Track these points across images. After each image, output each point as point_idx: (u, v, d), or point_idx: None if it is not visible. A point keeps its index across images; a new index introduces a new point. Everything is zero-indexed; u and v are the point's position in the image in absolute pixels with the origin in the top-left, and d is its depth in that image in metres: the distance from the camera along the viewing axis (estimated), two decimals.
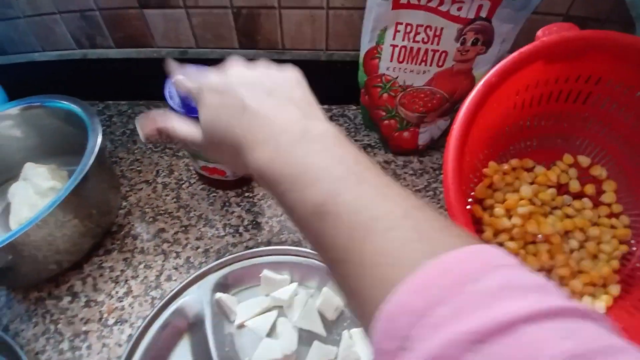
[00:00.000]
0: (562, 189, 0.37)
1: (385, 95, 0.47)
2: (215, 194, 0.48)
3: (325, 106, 0.58)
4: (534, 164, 0.38)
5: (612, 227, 0.35)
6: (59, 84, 0.47)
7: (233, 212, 0.46)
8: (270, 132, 0.21)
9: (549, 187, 0.36)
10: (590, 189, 0.36)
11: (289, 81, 0.25)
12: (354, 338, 0.35)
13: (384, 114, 0.49)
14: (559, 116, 0.36)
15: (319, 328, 0.36)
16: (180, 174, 0.50)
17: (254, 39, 0.52)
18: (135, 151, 0.53)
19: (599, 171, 0.37)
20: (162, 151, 0.53)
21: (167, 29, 0.52)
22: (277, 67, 0.26)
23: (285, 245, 0.42)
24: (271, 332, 0.37)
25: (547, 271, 0.33)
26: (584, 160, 0.37)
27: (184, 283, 0.38)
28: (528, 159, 0.37)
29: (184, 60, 0.40)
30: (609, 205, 0.36)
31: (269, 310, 0.38)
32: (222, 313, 0.38)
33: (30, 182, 0.43)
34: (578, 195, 0.37)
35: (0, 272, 0.38)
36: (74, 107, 0.42)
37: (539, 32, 0.31)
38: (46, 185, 0.43)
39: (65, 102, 0.42)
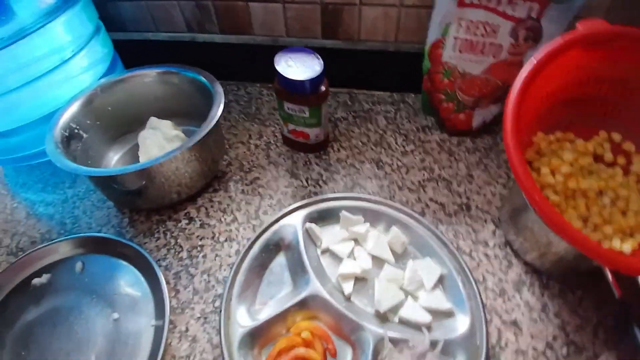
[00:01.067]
0: (597, 159, 0.45)
1: (446, 80, 0.56)
2: (298, 155, 0.58)
3: (389, 92, 0.67)
4: (574, 137, 0.45)
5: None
6: (167, 62, 0.57)
7: (313, 169, 0.56)
8: None
9: (586, 154, 0.44)
10: (621, 159, 0.44)
11: None
12: (417, 267, 0.44)
13: (443, 97, 0.58)
14: (597, 97, 0.44)
15: (388, 256, 0.45)
16: (268, 138, 0.61)
17: (335, 31, 0.63)
18: (231, 119, 0.64)
19: (629, 146, 0.44)
20: (252, 120, 0.64)
21: (265, 20, 0.63)
22: None
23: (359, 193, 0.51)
24: (350, 256, 0.46)
25: (584, 220, 0.41)
26: (617, 137, 0.45)
27: (279, 214, 0.48)
28: (570, 132, 0.45)
29: (275, 47, 0.50)
30: (637, 174, 0.43)
31: (347, 240, 0.47)
32: (310, 239, 0.47)
33: (160, 130, 0.54)
34: (611, 165, 0.44)
35: (133, 193, 0.49)
36: (202, 78, 0.53)
37: (578, 24, 0.39)
38: (172, 133, 0.54)
39: (196, 73, 0.53)
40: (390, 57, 0.63)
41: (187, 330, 0.41)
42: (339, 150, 0.59)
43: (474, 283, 0.41)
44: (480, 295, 0.40)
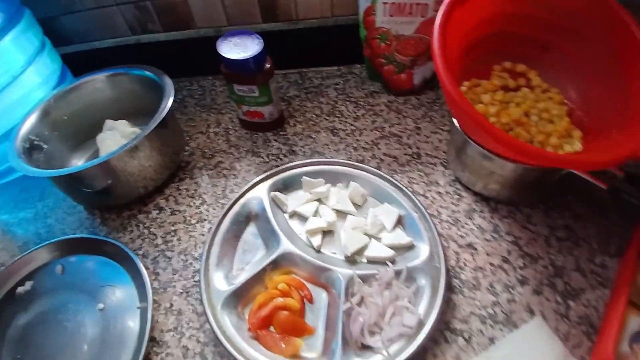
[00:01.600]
0: (503, 89, 0.49)
1: (382, 44, 0.60)
2: (256, 135, 0.61)
3: (335, 67, 0.71)
4: (478, 80, 0.49)
5: (550, 98, 0.47)
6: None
7: (273, 146, 0.59)
8: None
9: (496, 90, 0.48)
10: (521, 81, 0.48)
11: None
12: (377, 212, 0.48)
13: (383, 61, 0.62)
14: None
15: (350, 208, 0.49)
16: (226, 125, 0.63)
17: (274, 14, 0.66)
18: (188, 112, 0.66)
19: (521, 68, 0.49)
20: (208, 110, 0.66)
21: (205, 12, 0.65)
22: None
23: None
24: (315, 214, 0.49)
25: (529, 142, 0.45)
26: (507, 64, 0.49)
27: (245, 188, 0.50)
28: (473, 77, 0.49)
29: (219, 37, 0.53)
30: (539, 86, 0.48)
31: (311, 201, 0.50)
32: (277, 206, 0.50)
33: (117, 130, 0.56)
34: (516, 89, 0.48)
35: (100, 192, 0.50)
36: (150, 74, 0.55)
37: None
38: (129, 130, 0.56)
39: (144, 70, 0.55)
40: (331, 32, 0.67)
41: (171, 306, 0.44)
42: (294, 125, 0.62)
43: (428, 217, 0.45)
44: (435, 227, 0.44)
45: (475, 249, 0.45)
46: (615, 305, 0.36)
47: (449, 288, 0.42)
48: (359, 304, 0.40)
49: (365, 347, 0.38)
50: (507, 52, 0.50)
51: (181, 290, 0.45)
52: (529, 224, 0.47)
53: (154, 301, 0.44)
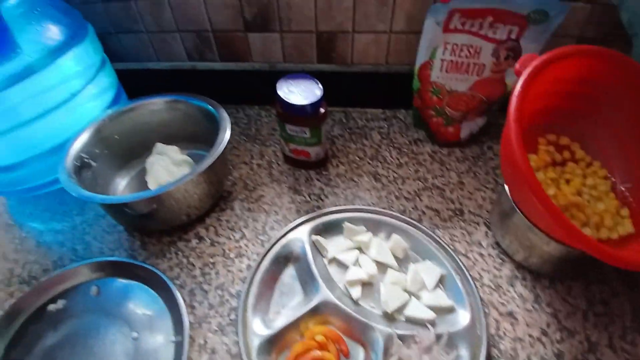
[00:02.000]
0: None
1: (435, 98, 0.61)
2: (299, 172, 0.62)
3: (381, 109, 0.72)
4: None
5: (594, 172, 0.46)
6: (169, 90, 0.60)
7: (315, 185, 0.59)
8: None
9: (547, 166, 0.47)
10: (566, 154, 0.48)
11: None
12: (418, 269, 0.47)
13: (433, 112, 0.63)
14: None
15: (391, 261, 0.48)
16: (270, 158, 0.64)
17: (329, 56, 0.67)
18: (232, 141, 0.67)
19: (565, 140, 0.48)
20: (253, 141, 0.67)
21: (263, 48, 0.67)
22: None
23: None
24: (355, 263, 0.49)
25: (584, 224, 0.44)
26: (552, 137, 0.49)
27: (286, 229, 0.51)
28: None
29: (272, 72, 0.54)
30: (583, 159, 0.47)
31: (352, 249, 0.50)
32: (317, 250, 0.50)
33: (167, 155, 0.57)
34: (562, 164, 0.48)
35: (144, 217, 0.51)
36: (208, 105, 0.56)
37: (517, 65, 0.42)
38: (179, 157, 0.57)
39: (202, 101, 0.57)
40: (381, 78, 0.68)
41: (205, 343, 0.43)
42: (337, 165, 0.62)
43: (471, 280, 0.44)
44: (477, 291, 0.44)
45: (516, 318, 0.44)
46: None
47: (489, 359, 0.41)
48: None
49: None
50: (549, 125, 0.49)
51: (216, 328, 0.45)
52: (569, 297, 0.46)
53: (189, 336, 0.43)
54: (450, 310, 0.44)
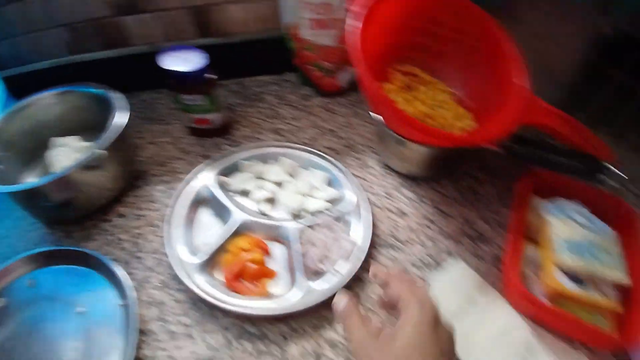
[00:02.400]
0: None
1: (309, 54, 0.70)
2: (206, 140, 0.66)
3: (271, 75, 0.79)
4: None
5: (438, 89, 0.59)
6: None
7: (224, 149, 0.65)
8: None
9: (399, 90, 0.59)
10: (415, 80, 0.61)
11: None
12: (308, 176, 0.59)
13: (312, 68, 0.71)
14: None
15: (286, 177, 0.58)
16: (175, 134, 0.68)
17: (208, 30, 0.71)
18: (133, 125, 0.68)
19: (408, 68, 0.60)
20: (154, 123, 0.70)
21: (141, 30, 0.69)
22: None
23: None
24: (258, 188, 0.57)
25: (442, 126, 0.56)
26: (399, 67, 0.61)
27: (190, 175, 0.57)
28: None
29: (157, 53, 0.57)
30: (429, 81, 0.60)
31: (252, 179, 0.58)
32: (224, 188, 0.56)
33: (68, 146, 0.58)
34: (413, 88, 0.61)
35: (62, 205, 0.52)
36: (99, 90, 0.58)
37: None
38: (81, 145, 0.58)
39: (91, 87, 0.58)
40: (264, 44, 0.74)
41: (152, 299, 0.48)
42: (240, 129, 0.68)
43: (351, 175, 0.57)
44: (358, 182, 0.56)
45: (407, 214, 0.56)
46: (512, 241, 0.47)
47: (375, 231, 0.52)
48: (310, 244, 0.49)
49: (318, 273, 0.48)
50: (403, 57, 0.61)
51: (159, 284, 0.49)
52: (445, 191, 0.59)
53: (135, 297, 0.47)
54: (339, 199, 0.55)
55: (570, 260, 0.43)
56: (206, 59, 0.58)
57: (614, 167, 0.48)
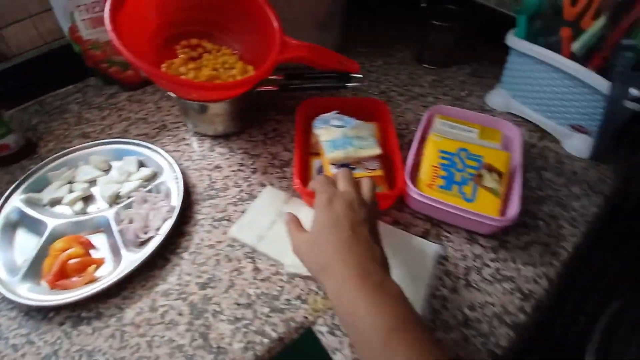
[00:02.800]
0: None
1: (98, 52, 0.70)
2: (9, 168, 0.63)
3: (71, 86, 0.77)
4: (171, 61, 0.64)
5: (224, 54, 0.65)
6: None
7: (29, 169, 0.63)
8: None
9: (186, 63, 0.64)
10: (201, 50, 0.66)
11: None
12: (120, 165, 0.60)
13: (107, 65, 0.72)
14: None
15: (98, 173, 0.59)
16: None
17: None
18: None
19: (194, 41, 0.65)
20: None
21: None
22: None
23: None
24: (69, 191, 0.57)
25: None
26: (185, 42, 0.66)
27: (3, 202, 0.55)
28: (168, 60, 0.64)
29: None
30: (214, 48, 0.66)
31: (63, 186, 0.58)
32: (34, 204, 0.56)
33: None
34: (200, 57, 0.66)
35: None
36: None
37: None
38: None
39: None
40: (53, 57, 0.72)
41: None
42: (45, 145, 0.66)
43: (161, 150, 0.60)
44: (170, 156, 0.60)
45: (221, 167, 0.61)
46: (297, 157, 0.55)
47: (187, 191, 0.56)
48: (128, 221, 0.52)
49: (143, 243, 0.51)
50: (187, 34, 0.65)
51: None
52: (251, 138, 0.65)
53: None
54: (154, 174, 0.59)
55: (335, 155, 0.52)
56: None
57: (358, 75, 0.60)
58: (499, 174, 0.52)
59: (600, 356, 0.32)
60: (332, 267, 0.36)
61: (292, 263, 0.47)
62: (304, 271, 0.46)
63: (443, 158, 0.54)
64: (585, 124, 0.61)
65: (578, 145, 0.63)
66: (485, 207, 0.49)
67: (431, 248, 0.50)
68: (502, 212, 0.50)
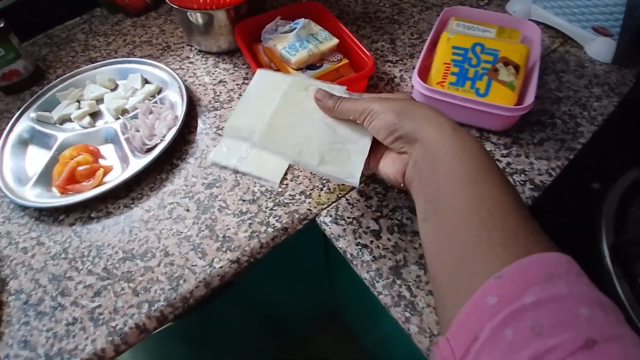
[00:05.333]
0: None
1: None
2: (21, 94, 0.64)
3: (77, 18, 0.76)
4: None
5: None
6: None
7: (40, 97, 0.63)
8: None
9: None
10: None
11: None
12: (125, 82, 0.60)
13: None
14: None
15: (103, 90, 0.59)
16: None
17: None
18: None
19: None
20: None
21: None
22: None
23: None
24: (78, 108, 0.58)
25: None
26: None
27: (11, 122, 0.56)
28: None
29: None
30: None
31: (72, 104, 0.59)
32: (44, 123, 0.57)
33: None
34: None
35: None
36: None
37: None
38: None
39: None
40: None
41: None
42: (55, 71, 0.67)
43: (164, 66, 0.60)
44: (172, 70, 0.59)
45: (226, 81, 0.60)
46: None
47: (190, 102, 0.56)
48: (135, 130, 0.52)
49: (149, 149, 0.51)
50: None
51: (2, 220, 0.49)
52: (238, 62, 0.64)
53: None
54: (158, 88, 0.59)
55: (299, 56, 0.51)
56: None
57: None
58: (516, 67, 0.49)
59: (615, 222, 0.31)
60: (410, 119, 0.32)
61: (233, 124, 0.40)
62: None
63: (456, 54, 0.51)
64: (608, 25, 0.57)
65: (601, 49, 0.59)
66: (499, 100, 0.47)
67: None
68: (517, 105, 0.47)
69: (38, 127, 0.55)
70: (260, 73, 0.43)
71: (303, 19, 0.55)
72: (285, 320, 0.88)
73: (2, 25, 0.58)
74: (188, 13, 0.59)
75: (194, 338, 0.61)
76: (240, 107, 0.40)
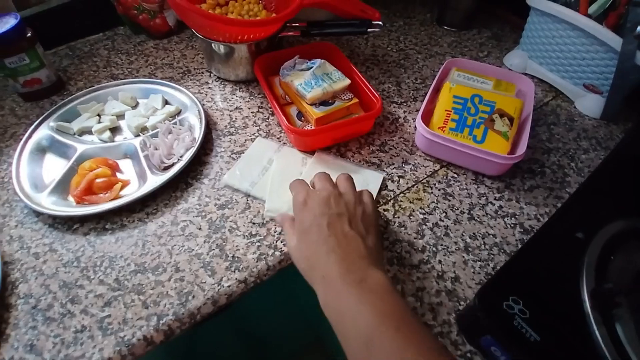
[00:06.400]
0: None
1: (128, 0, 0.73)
2: (41, 102, 0.67)
3: (101, 33, 0.80)
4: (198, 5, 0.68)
5: (249, 2, 0.68)
6: None
7: (61, 107, 0.66)
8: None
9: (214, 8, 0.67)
10: None
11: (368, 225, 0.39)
12: (146, 101, 0.64)
13: (136, 12, 0.75)
14: None
15: (124, 107, 0.62)
16: (7, 105, 0.67)
17: (27, 2, 0.71)
18: None
19: None
20: None
21: None
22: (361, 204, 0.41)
23: None
24: (99, 122, 0.60)
25: None
26: None
27: (30, 129, 0.58)
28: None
29: None
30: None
31: (92, 117, 0.62)
32: (63, 132, 0.60)
33: None
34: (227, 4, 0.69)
35: None
36: None
37: None
38: None
39: None
40: (85, 2, 0.76)
41: (11, 237, 0.49)
42: (75, 84, 0.70)
43: (184, 89, 0.63)
44: (191, 93, 0.62)
45: (241, 108, 0.64)
46: (277, 109, 0.57)
47: (208, 125, 0.59)
48: (154, 149, 0.55)
49: (166, 168, 0.54)
50: None
51: (15, 224, 0.50)
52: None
53: None
54: (178, 110, 0.62)
55: (314, 93, 0.55)
56: (16, 16, 0.59)
57: (379, 22, 0.61)
58: (511, 119, 0.53)
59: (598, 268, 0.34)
60: (315, 270, 0.35)
61: (270, 208, 0.49)
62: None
63: (457, 103, 0.55)
64: (598, 83, 0.62)
65: (590, 105, 0.64)
66: (494, 148, 0.51)
67: (374, 176, 0.53)
68: (510, 154, 0.52)
69: (57, 137, 0.58)
70: (283, 152, 0.55)
71: (319, 60, 0.60)
72: (270, 345, 0.89)
73: (29, 34, 0.62)
74: (212, 44, 0.63)
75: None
76: (271, 189, 0.51)
